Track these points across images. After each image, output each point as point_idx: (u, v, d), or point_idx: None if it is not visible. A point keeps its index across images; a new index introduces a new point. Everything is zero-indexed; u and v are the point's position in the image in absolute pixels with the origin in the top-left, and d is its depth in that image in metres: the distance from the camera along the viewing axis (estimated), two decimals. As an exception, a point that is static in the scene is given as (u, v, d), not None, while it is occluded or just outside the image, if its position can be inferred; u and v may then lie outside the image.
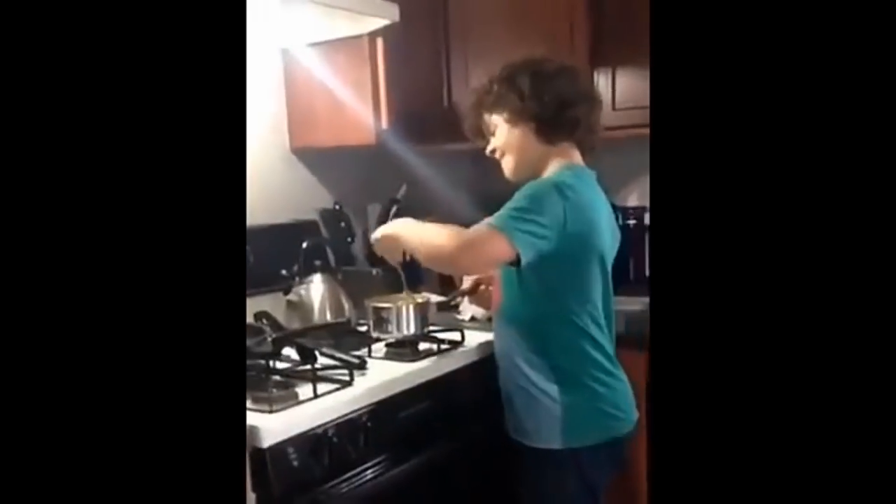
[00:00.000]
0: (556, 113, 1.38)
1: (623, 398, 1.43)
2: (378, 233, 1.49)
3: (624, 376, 1.45)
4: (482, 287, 1.70)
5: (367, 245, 2.11)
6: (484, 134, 1.49)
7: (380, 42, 1.82)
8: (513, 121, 1.41)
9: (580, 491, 1.40)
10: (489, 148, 1.49)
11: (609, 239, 1.42)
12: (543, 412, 1.40)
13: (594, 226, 1.35)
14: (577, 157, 1.45)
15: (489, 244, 1.28)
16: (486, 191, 1.89)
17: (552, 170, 1.41)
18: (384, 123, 1.86)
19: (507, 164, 1.46)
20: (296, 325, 1.70)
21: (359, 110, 1.85)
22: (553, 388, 1.39)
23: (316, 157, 2.07)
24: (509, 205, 1.30)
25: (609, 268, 1.44)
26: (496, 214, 1.30)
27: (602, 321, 1.42)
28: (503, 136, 1.44)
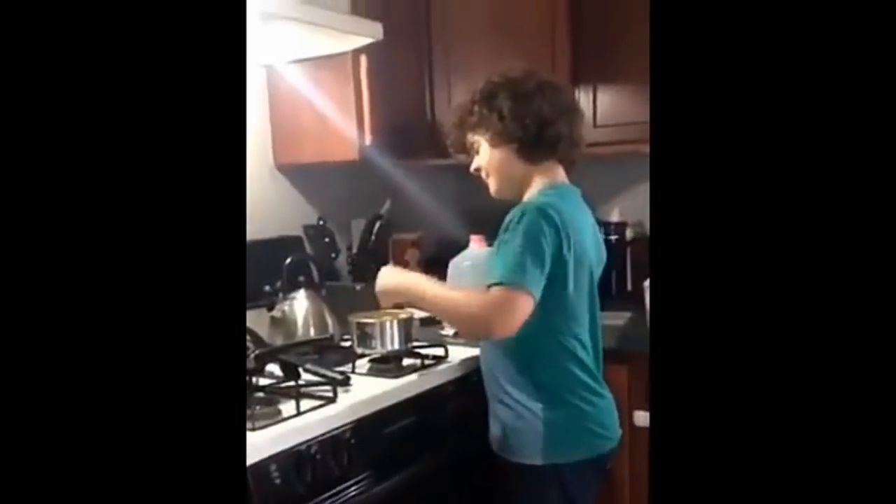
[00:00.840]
0: (538, 133, 1.39)
1: (607, 416, 1.44)
2: (386, 285, 1.50)
3: (608, 394, 1.46)
4: None
5: (351, 261, 2.12)
6: (468, 150, 1.50)
7: (363, 59, 1.84)
8: (494, 142, 1.43)
9: None
10: (473, 166, 1.50)
11: (594, 256, 1.44)
12: (527, 429, 1.40)
13: (581, 245, 1.37)
14: (560, 174, 1.46)
15: (517, 304, 1.28)
16: (471, 206, 1.91)
17: (535, 188, 1.43)
18: (368, 139, 1.87)
19: (492, 184, 1.48)
20: (279, 341, 1.69)
21: (342, 126, 1.86)
22: (537, 406, 1.39)
23: (300, 173, 2.07)
24: (508, 254, 1.29)
25: (595, 285, 1.45)
26: (504, 268, 1.28)
27: (587, 339, 1.43)
28: (486, 156, 1.46)
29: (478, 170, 1.49)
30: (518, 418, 1.41)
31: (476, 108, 1.43)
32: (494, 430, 1.48)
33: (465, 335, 1.46)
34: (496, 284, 1.29)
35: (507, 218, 1.35)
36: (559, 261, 1.32)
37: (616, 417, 1.47)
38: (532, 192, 1.43)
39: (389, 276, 1.52)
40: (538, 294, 1.30)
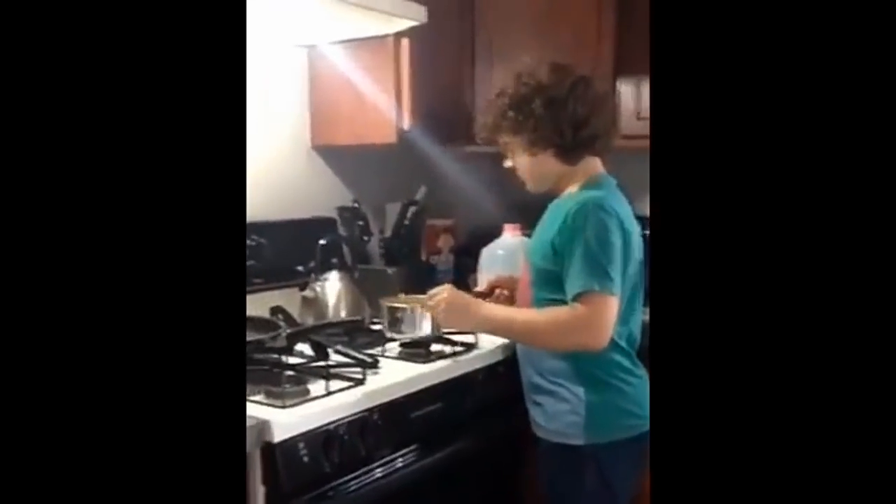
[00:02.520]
0: (574, 135, 1.39)
1: (643, 396, 1.44)
2: (462, 321, 1.47)
3: (645, 374, 1.46)
4: (498, 291, 1.70)
5: (384, 245, 2.12)
6: (498, 144, 1.49)
7: (405, 42, 1.83)
8: (530, 148, 1.42)
9: (599, 487, 1.41)
10: (508, 164, 1.50)
11: (638, 244, 1.43)
12: (568, 410, 1.41)
13: (629, 235, 1.37)
14: (598, 165, 1.46)
15: (610, 311, 1.30)
16: (507, 194, 1.89)
17: (577, 183, 1.43)
18: (406, 123, 1.86)
19: (529, 182, 1.48)
20: (310, 321, 1.71)
21: (382, 109, 1.86)
22: (579, 390, 1.41)
23: (336, 155, 2.07)
24: (586, 259, 1.30)
25: (641, 273, 1.43)
26: (587, 276, 1.29)
27: (629, 324, 1.42)
28: (521, 159, 1.45)
29: (513, 168, 1.49)
30: (560, 401, 1.43)
31: (510, 113, 1.41)
32: (535, 413, 1.49)
33: (564, 350, 1.41)
34: (583, 294, 1.30)
35: (565, 216, 1.34)
36: (622, 256, 1.34)
37: None
38: (574, 187, 1.43)
39: (460, 302, 1.44)
40: (618, 291, 1.31)
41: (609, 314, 1.31)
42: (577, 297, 1.31)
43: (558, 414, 1.43)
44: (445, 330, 1.65)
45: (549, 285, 1.38)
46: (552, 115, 1.38)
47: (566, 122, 1.38)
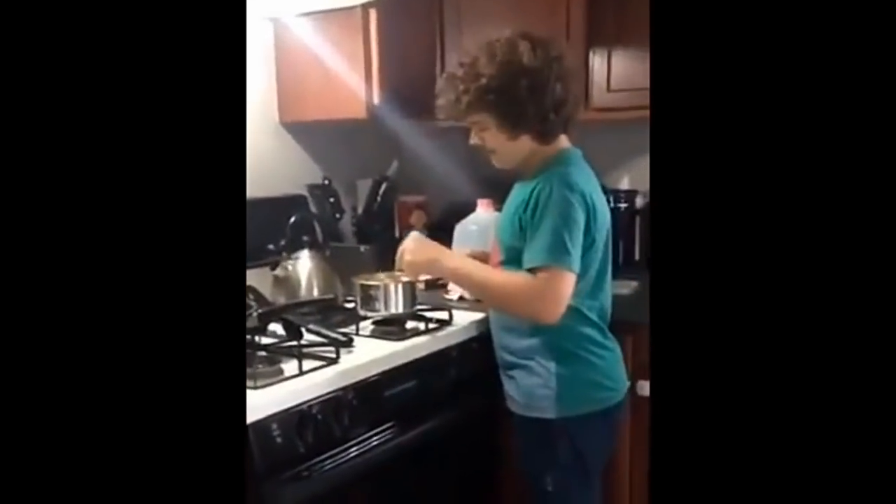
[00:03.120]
0: (554, 118, 1.36)
1: (613, 368, 1.46)
2: (418, 256, 1.44)
3: (616, 346, 1.48)
4: None
5: (356, 222, 2.10)
6: (460, 120, 1.43)
7: (373, 13, 1.79)
8: (507, 130, 1.37)
9: (571, 459, 1.42)
10: (473, 141, 1.43)
11: (604, 217, 1.42)
12: (540, 384, 1.42)
13: (595, 208, 1.36)
14: (564, 140, 1.44)
15: (565, 286, 1.30)
16: (479, 169, 1.87)
17: (544, 158, 1.40)
18: (376, 97, 1.82)
19: (497, 159, 1.44)
20: (282, 300, 1.68)
21: (350, 83, 1.82)
22: (551, 364, 1.41)
23: (305, 131, 2.03)
24: (547, 234, 1.29)
25: (608, 246, 1.43)
26: (546, 250, 1.29)
27: (597, 298, 1.43)
28: (496, 141, 1.40)
29: (477, 146, 1.43)
30: (531, 375, 1.43)
31: (490, 96, 1.33)
32: (508, 388, 1.50)
33: (506, 311, 1.44)
34: (541, 268, 1.30)
35: (531, 193, 1.34)
36: (586, 231, 1.33)
37: (623, 370, 1.49)
38: (543, 162, 1.40)
39: (424, 248, 1.46)
40: (577, 268, 1.31)
41: (565, 289, 1.31)
42: (535, 271, 1.31)
43: (530, 388, 1.44)
44: (419, 307, 1.64)
45: (517, 262, 1.37)
46: (536, 99, 1.33)
47: (549, 106, 1.34)
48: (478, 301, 1.80)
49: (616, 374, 1.47)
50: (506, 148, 1.41)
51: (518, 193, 1.43)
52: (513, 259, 1.40)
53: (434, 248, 1.47)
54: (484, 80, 1.33)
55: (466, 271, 1.44)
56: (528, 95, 1.32)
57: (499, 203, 1.76)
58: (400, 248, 1.47)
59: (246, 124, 1.87)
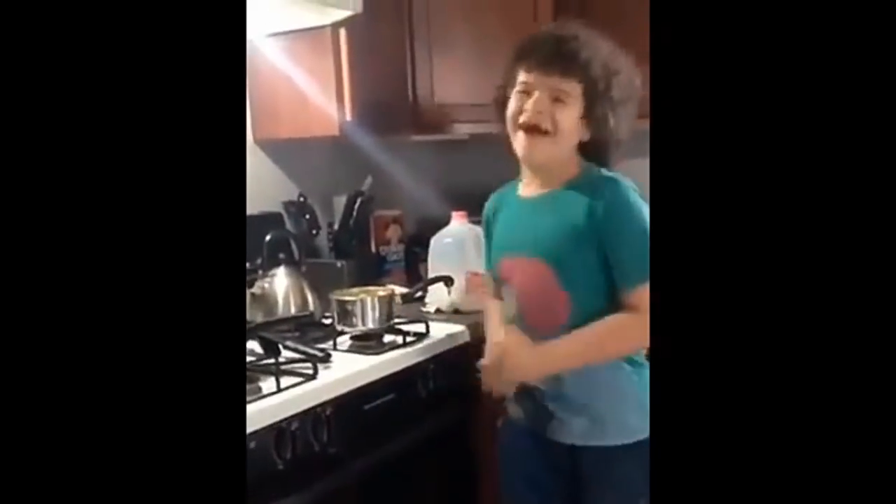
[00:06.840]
0: (608, 137, 1.29)
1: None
2: (523, 371, 1.29)
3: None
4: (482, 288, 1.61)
5: (333, 238, 2.11)
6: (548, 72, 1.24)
7: (343, 33, 1.80)
8: (585, 117, 1.26)
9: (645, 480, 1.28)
10: (526, 118, 1.25)
11: None
12: (631, 401, 1.26)
13: None
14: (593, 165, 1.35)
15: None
16: (453, 182, 1.90)
17: (586, 169, 1.31)
18: (348, 115, 1.84)
19: (545, 144, 1.26)
20: (259, 318, 1.68)
21: (322, 101, 1.83)
22: (633, 377, 1.28)
23: (279, 149, 2.04)
24: (642, 247, 1.10)
25: None
26: (643, 266, 1.06)
27: None
28: (566, 117, 1.25)
29: (539, 112, 1.23)
30: (621, 392, 1.29)
31: (612, 81, 1.25)
32: (586, 419, 1.31)
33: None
34: (640, 285, 1.17)
35: (598, 202, 1.22)
36: None
37: None
38: (584, 172, 1.30)
39: (522, 358, 1.27)
40: None
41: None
42: (631, 289, 1.20)
43: (621, 409, 1.28)
44: (396, 320, 1.65)
45: (583, 274, 1.25)
46: (621, 111, 1.27)
47: (617, 127, 1.27)
48: (455, 312, 1.82)
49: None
50: (564, 135, 1.26)
51: (557, 201, 1.29)
52: (574, 271, 1.26)
53: (528, 351, 1.27)
54: (604, 60, 1.25)
55: (568, 352, 1.26)
56: (618, 107, 1.27)
57: (473, 215, 1.79)
58: (493, 347, 1.33)
59: (246, 133, 1.87)
